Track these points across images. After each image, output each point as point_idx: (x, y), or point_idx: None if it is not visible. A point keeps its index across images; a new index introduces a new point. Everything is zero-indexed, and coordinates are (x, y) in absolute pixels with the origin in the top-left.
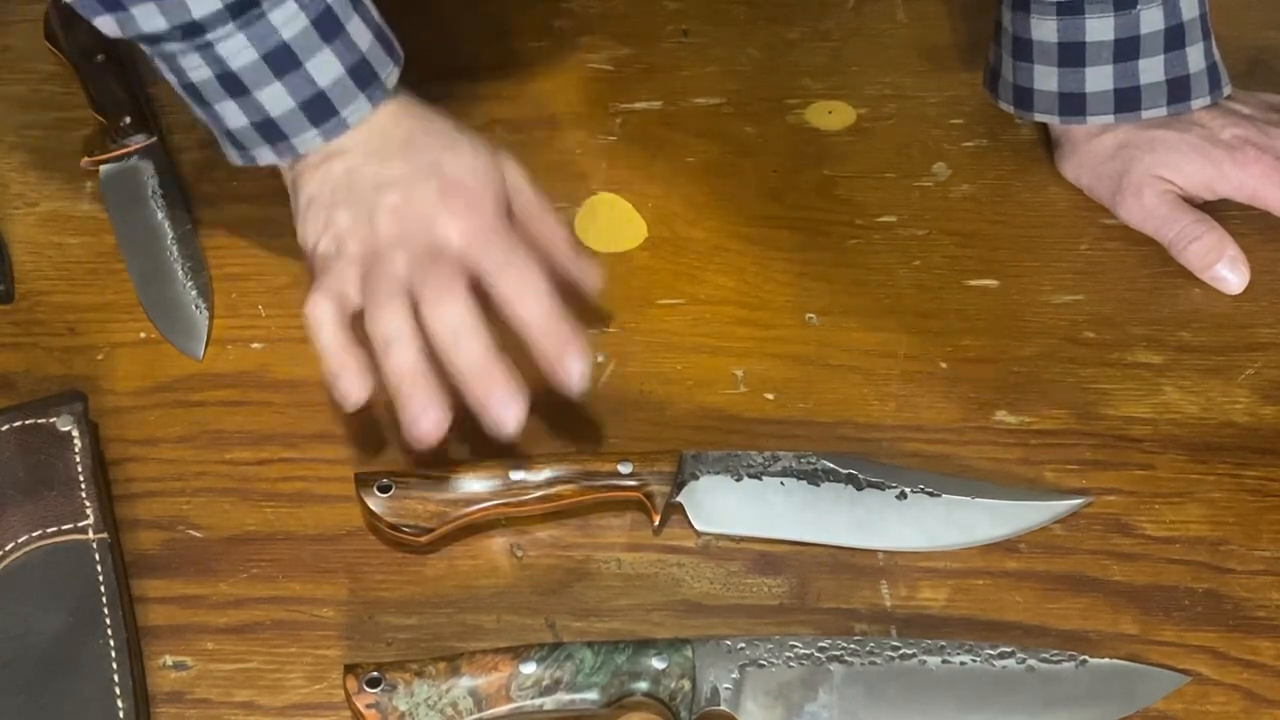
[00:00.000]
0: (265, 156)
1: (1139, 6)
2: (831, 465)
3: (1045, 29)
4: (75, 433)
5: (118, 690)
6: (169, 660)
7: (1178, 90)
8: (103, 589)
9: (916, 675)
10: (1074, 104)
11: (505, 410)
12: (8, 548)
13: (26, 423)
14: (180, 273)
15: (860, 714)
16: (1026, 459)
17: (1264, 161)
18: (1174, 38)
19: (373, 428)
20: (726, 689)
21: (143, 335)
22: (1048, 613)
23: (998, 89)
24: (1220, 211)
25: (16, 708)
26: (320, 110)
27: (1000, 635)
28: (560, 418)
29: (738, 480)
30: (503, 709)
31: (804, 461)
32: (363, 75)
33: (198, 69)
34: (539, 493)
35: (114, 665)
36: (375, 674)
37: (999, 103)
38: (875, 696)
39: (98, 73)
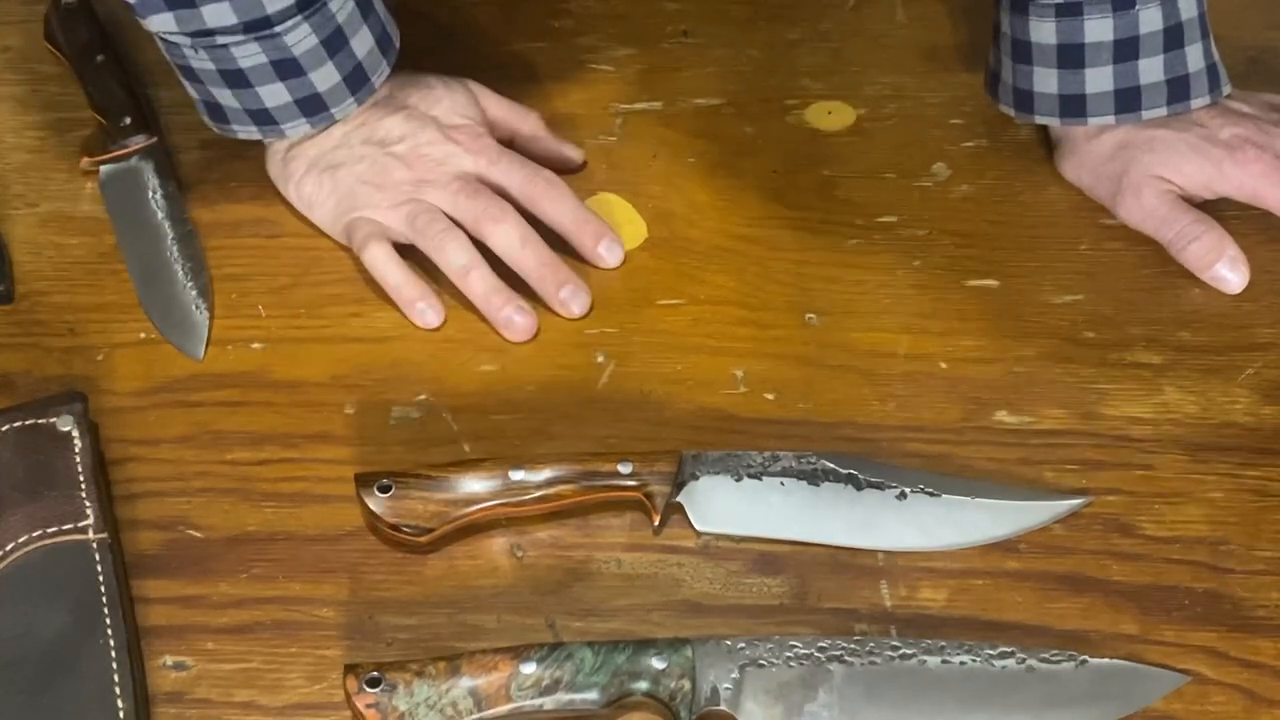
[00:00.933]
0: (249, 134)
1: (1137, 7)
2: (831, 465)
3: (1044, 31)
4: (75, 433)
5: (118, 690)
6: (169, 660)
7: (1177, 90)
8: (103, 589)
9: (916, 675)
10: (1074, 105)
11: (576, 297)
12: (8, 548)
13: (26, 423)
14: (180, 273)
15: (860, 714)
16: (1026, 459)
17: (1264, 161)
18: (1173, 37)
19: (373, 428)
20: (726, 689)
21: (143, 335)
22: (1047, 613)
23: (998, 92)
24: (1220, 211)
25: (16, 708)
26: (316, 105)
27: (1000, 635)
28: (560, 417)
29: (738, 480)
30: (503, 709)
31: (804, 461)
32: (356, 80)
33: (252, 56)
34: (539, 493)
35: (114, 665)
36: (375, 674)
37: (999, 106)
38: (875, 696)
39: (98, 73)
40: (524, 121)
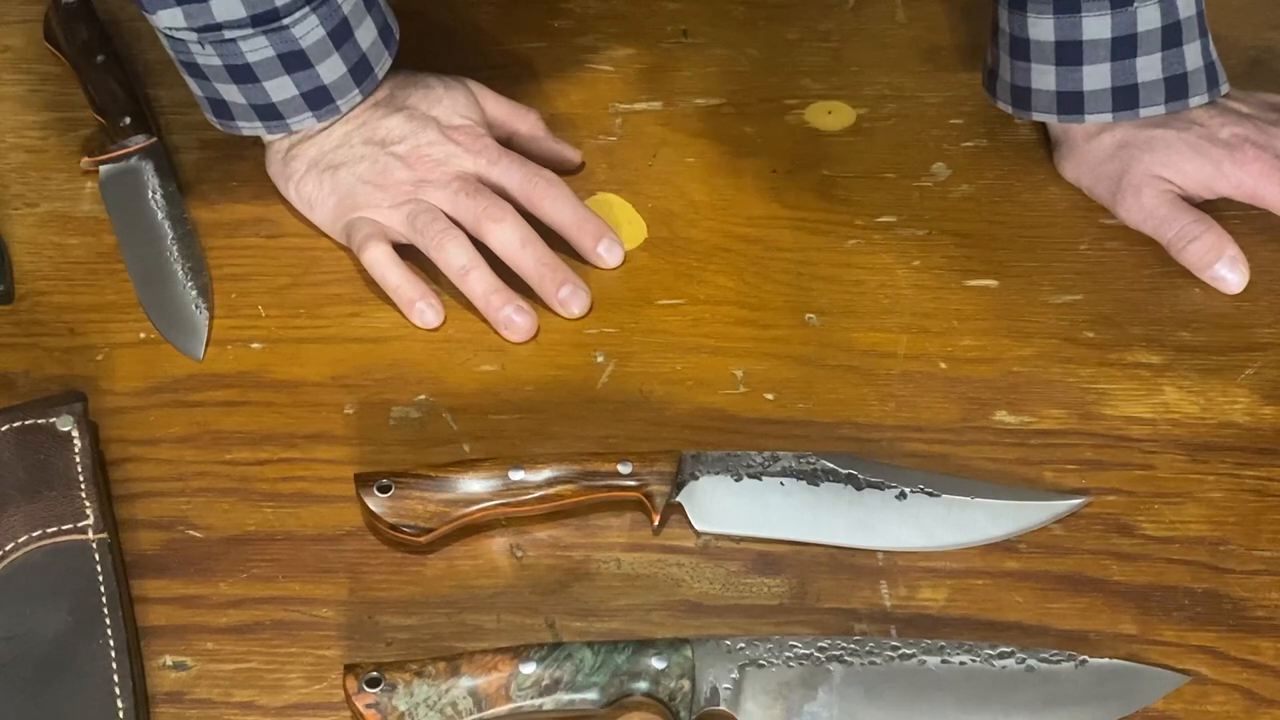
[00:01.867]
0: (254, 131)
1: (1135, 4)
2: (831, 465)
3: (1042, 28)
4: (75, 433)
5: (118, 690)
6: (169, 660)
7: (1175, 88)
8: (103, 589)
9: (916, 675)
10: (1072, 103)
11: (575, 297)
12: (8, 548)
13: (26, 423)
14: (180, 273)
15: (860, 714)
16: (1026, 459)
17: (1263, 160)
18: (1171, 35)
19: (373, 428)
20: (726, 689)
21: (143, 335)
22: (1047, 613)
23: (996, 89)
24: (1220, 211)
25: (16, 708)
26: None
27: (1000, 635)
28: (560, 417)
29: (737, 480)
30: (502, 709)
31: (804, 461)
32: (361, 71)
33: (260, 50)
34: (539, 493)
35: (114, 665)
36: (375, 674)
37: (997, 103)
38: (875, 696)
39: (98, 73)
40: (523, 121)
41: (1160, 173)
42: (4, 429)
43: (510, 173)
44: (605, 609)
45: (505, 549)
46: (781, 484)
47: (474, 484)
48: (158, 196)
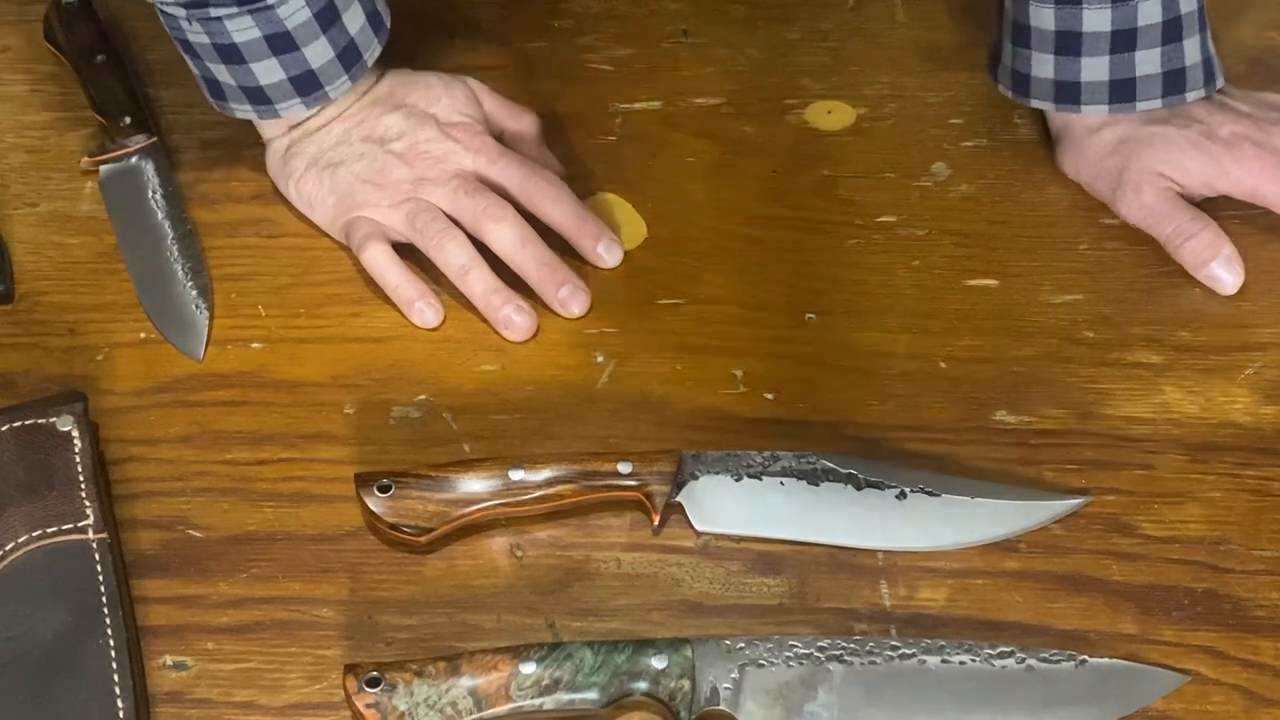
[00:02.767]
0: (245, 114)
1: None
2: (831, 465)
3: (1043, 17)
4: (75, 433)
5: (118, 690)
6: (169, 660)
7: (1173, 83)
8: (103, 589)
9: (916, 675)
10: (1069, 92)
11: (575, 297)
12: (8, 548)
13: (26, 423)
14: (180, 273)
15: (860, 714)
16: (1026, 459)
17: (1262, 158)
18: (1171, 31)
19: (373, 428)
20: (726, 689)
21: (143, 335)
22: (1047, 612)
23: (997, 73)
24: (1219, 210)
25: (16, 708)
26: (309, 84)
27: (1000, 635)
28: (560, 417)
29: (737, 480)
30: (502, 709)
31: (804, 461)
32: (349, 57)
33: (246, 30)
34: (539, 493)
35: (114, 665)
36: (375, 674)
37: (998, 86)
38: (875, 696)
39: (98, 73)
40: (519, 120)
41: (1161, 169)
42: (4, 429)
43: (510, 172)
44: (605, 609)
45: (505, 549)
46: (781, 484)
47: (474, 484)
48: (158, 196)
